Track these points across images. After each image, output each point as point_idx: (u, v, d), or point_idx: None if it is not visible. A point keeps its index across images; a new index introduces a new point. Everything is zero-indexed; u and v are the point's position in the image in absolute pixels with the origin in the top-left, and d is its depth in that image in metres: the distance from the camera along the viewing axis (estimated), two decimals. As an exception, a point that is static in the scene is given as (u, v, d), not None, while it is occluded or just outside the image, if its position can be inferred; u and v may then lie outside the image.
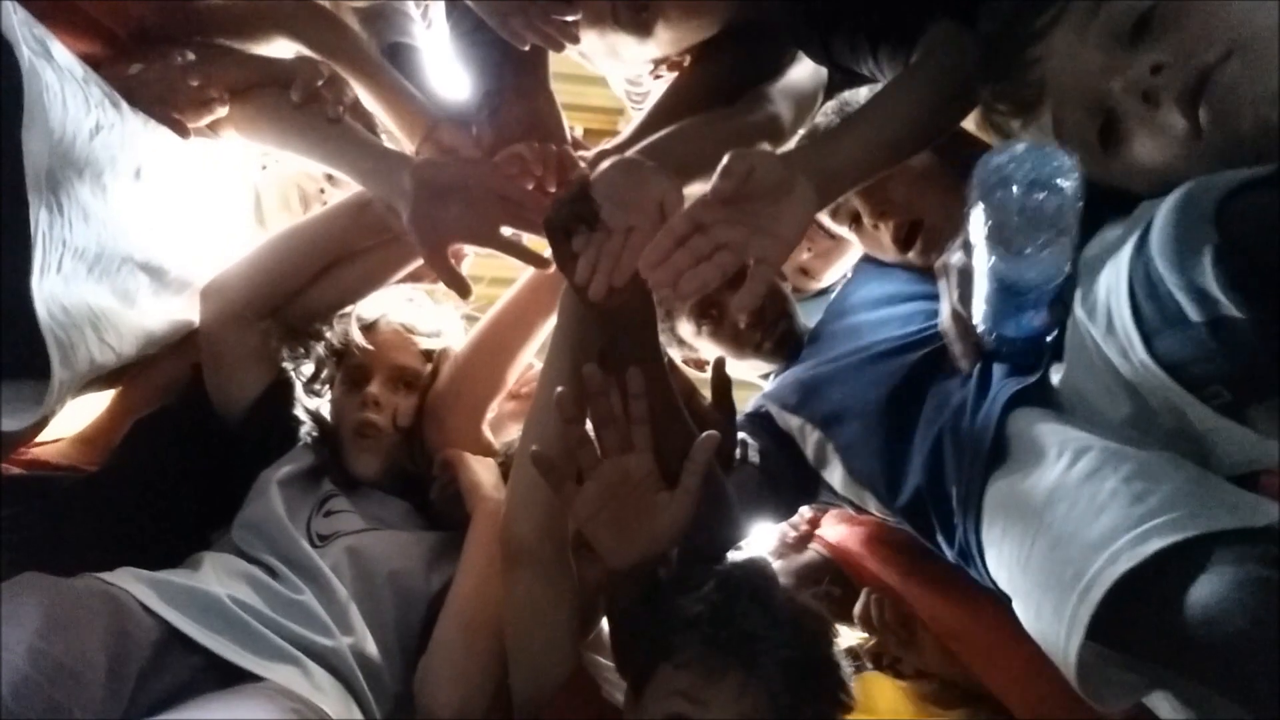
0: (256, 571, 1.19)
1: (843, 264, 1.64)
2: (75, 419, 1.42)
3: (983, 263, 0.98)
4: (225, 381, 1.38)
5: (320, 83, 1.29)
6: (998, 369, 1.07)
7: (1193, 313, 0.74)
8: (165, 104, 1.23)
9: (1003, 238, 0.91)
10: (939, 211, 1.28)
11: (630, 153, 1.17)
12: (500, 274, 1.32)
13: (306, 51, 1.39)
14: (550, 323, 1.31)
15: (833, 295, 1.53)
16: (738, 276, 1.41)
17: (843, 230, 1.41)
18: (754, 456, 1.31)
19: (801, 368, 1.38)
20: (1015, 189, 0.88)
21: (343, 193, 1.51)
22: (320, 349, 1.38)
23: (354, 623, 1.18)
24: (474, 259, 1.44)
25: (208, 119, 1.27)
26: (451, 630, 1.20)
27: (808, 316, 1.51)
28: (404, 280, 1.51)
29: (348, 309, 1.45)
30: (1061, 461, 0.91)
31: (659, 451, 1.04)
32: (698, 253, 0.93)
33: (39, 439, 1.33)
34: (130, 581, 1.07)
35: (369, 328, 1.43)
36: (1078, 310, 0.90)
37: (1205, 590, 0.73)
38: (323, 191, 1.61)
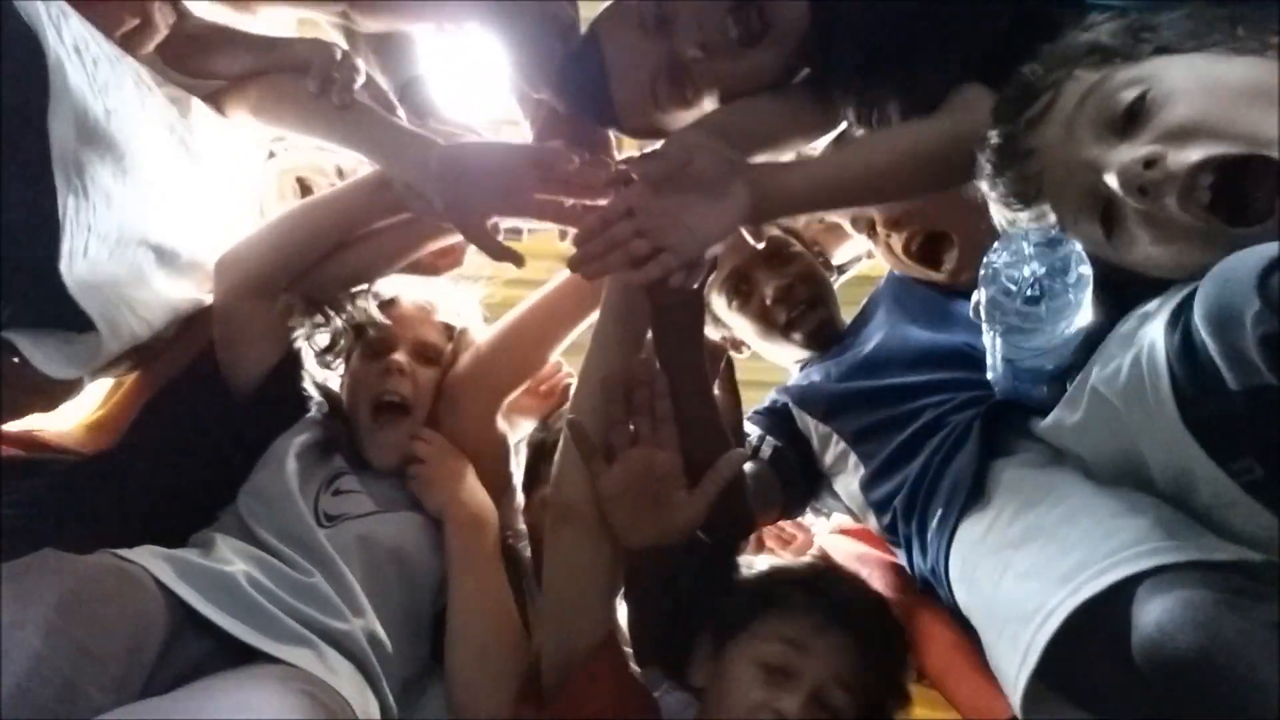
0: (265, 555, 1.18)
1: (855, 243, 1.59)
2: (85, 404, 1.40)
3: (991, 339, 1.00)
4: (238, 355, 1.35)
5: (334, 68, 1.27)
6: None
7: (1232, 380, 0.74)
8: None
9: (1007, 328, 0.93)
10: (969, 226, 1.22)
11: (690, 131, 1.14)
12: (521, 275, 1.30)
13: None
14: (584, 325, 1.30)
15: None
16: (770, 253, 1.40)
17: (860, 236, 1.40)
18: (766, 451, 1.33)
19: (832, 371, 1.36)
20: (1018, 288, 0.88)
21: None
22: (340, 320, 1.36)
23: (363, 604, 1.18)
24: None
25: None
26: (470, 643, 1.22)
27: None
28: (413, 270, 1.50)
29: (364, 286, 1.43)
30: (1042, 505, 0.93)
31: (689, 446, 1.11)
32: (617, 238, 0.97)
33: (46, 423, 1.33)
34: (147, 558, 1.06)
35: (390, 303, 1.42)
36: (1094, 378, 0.88)
37: (1157, 609, 0.73)
38: (332, 186, 1.59)
